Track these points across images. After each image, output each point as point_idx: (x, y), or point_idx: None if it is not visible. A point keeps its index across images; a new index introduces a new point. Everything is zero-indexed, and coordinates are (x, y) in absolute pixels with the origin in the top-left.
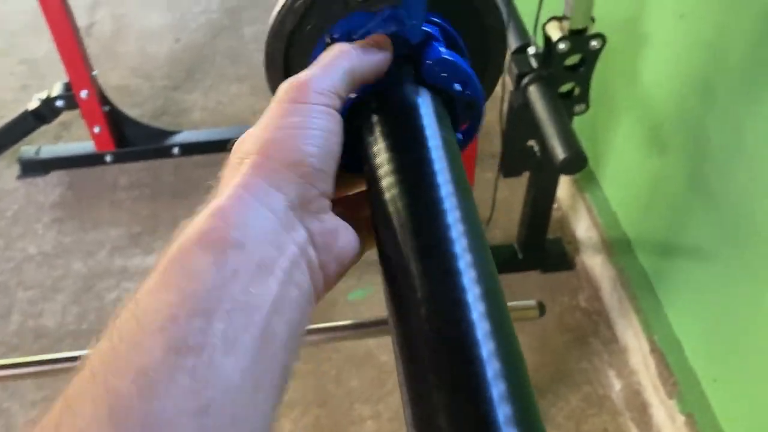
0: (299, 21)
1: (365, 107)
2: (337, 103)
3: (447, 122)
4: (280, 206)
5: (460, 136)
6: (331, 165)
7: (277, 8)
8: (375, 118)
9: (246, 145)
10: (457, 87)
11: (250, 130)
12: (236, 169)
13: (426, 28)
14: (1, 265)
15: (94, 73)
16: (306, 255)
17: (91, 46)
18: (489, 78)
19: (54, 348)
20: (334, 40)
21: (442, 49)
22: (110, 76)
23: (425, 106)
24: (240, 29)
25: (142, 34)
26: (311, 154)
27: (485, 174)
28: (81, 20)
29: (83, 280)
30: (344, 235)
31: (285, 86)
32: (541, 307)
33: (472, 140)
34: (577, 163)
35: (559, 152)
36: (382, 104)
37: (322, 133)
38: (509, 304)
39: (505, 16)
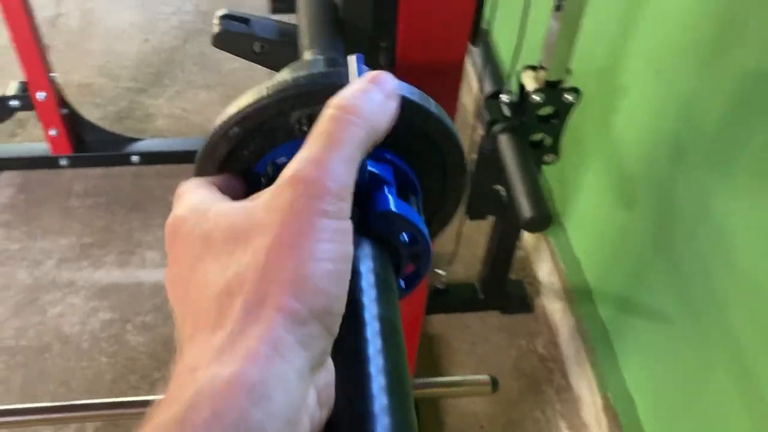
0: (234, 146)
1: None
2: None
3: (388, 278)
4: (304, 369)
5: (402, 283)
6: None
7: (210, 133)
8: None
9: (267, 274)
10: (404, 238)
11: (261, 243)
12: (252, 305)
13: (374, 170)
14: None
15: (52, 75)
16: (313, 421)
17: (56, 39)
18: (444, 214)
19: None
20: (276, 166)
21: (391, 198)
22: (74, 73)
23: (365, 268)
24: None
25: (111, 31)
26: (339, 298)
27: None
28: (46, 11)
29: (27, 291)
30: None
31: (299, 187)
32: (494, 383)
33: (418, 284)
34: (542, 223)
35: (525, 211)
36: None
37: (347, 266)
38: (463, 378)
39: (465, 155)
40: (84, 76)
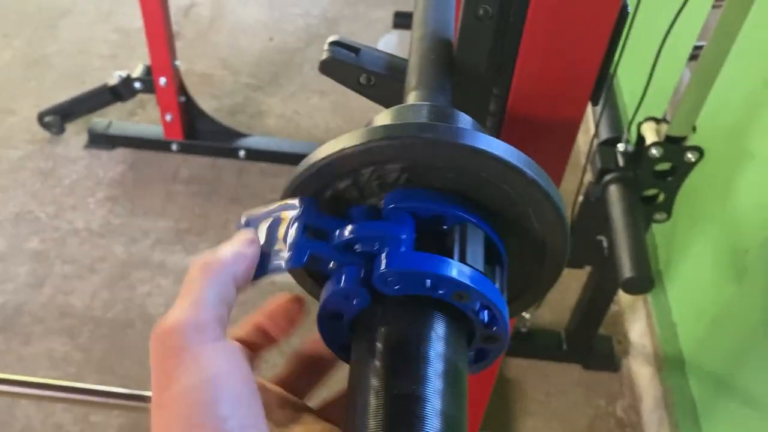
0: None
1: (369, 315)
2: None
3: (458, 364)
4: None
5: (471, 355)
6: (258, 415)
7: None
8: (375, 331)
9: None
10: (483, 316)
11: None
12: None
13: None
14: (47, 233)
15: (176, 62)
16: None
17: (186, 28)
18: (530, 297)
19: (75, 331)
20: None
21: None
22: (197, 63)
23: (434, 352)
24: None
25: (238, 26)
26: (225, 418)
27: None
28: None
29: (120, 266)
30: None
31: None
32: None
33: (488, 366)
34: (642, 286)
35: (626, 270)
36: (387, 318)
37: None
38: None
39: (568, 242)
40: (206, 67)
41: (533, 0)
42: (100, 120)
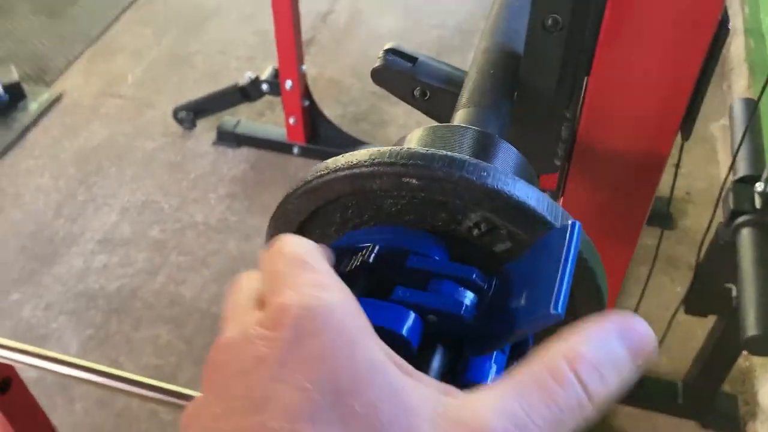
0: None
1: None
2: None
3: None
4: None
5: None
6: None
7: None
8: None
9: None
10: None
11: None
12: None
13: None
14: (168, 224)
15: (303, 67)
16: None
17: (322, 34)
18: None
19: (181, 320)
20: (380, 257)
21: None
22: (328, 68)
23: None
24: (468, 52)
25: (371, 35)
26: None
27: (672, 285)
28: (321, 5)
29: (232, 261)
30: None
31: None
32: None
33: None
34: (766, 346)
35: (750, 327)
36: None
37: None
38: None
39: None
40: (336, 73)
41: (610, 8)
42: (230, 118)
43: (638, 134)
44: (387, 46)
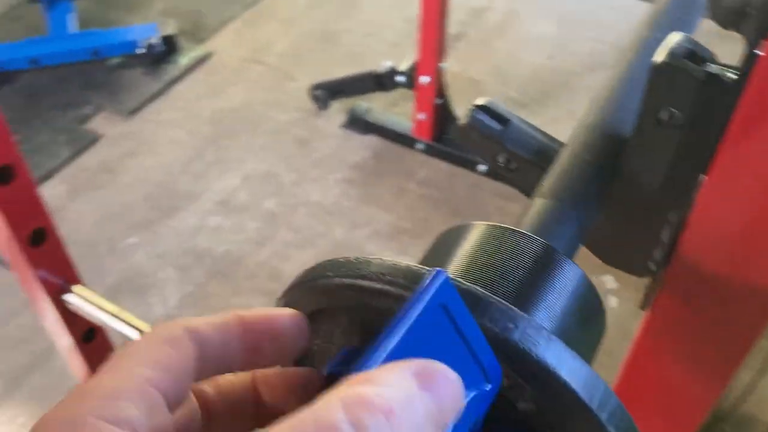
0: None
1: None
2: None
3: None
4: None
5: None
6: None
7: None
8: None
9: None
10: None
11: None
12: None
13: None
14: (284, 198)
15: (442, 64)
16: None
17: (473, 30)
18: None
19: (276, 296)
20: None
21: None
22: (472, 66)
23: None
24: None
25: (522, 37)
26: None
27: None
28: (479, 1)
29: (335, 246)
30: None
31: None
32: None
33: None
34: None
35: None
36: None
37: None
38: None
39: None
40: (478, 73)
41: (744, 106)
42: (362, 104)
43: (758, 257)
44: (479, 102)
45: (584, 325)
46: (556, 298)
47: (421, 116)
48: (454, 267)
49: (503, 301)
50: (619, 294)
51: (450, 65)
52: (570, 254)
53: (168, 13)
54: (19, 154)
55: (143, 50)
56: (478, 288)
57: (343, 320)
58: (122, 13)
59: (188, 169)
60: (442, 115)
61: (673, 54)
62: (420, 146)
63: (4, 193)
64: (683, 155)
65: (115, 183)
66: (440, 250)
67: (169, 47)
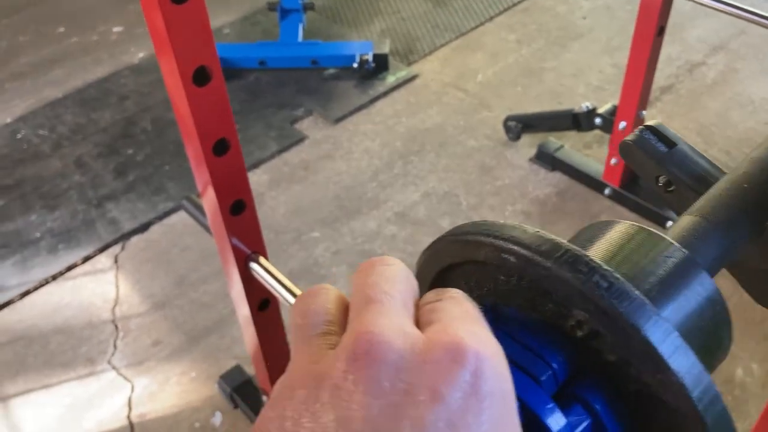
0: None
1: None
2: None
3: None
4: None
5: None
6: None
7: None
8: None
9: None
10: None
11: None
12: None
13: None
14: (459, 219)
15: (642, 112)
16: None
17: (684, 83)
18: None
19: None
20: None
21: None
22: (675, 121)
23: None
24: None
25: (738, 98)
26: None
27: None
28: (694, 55)
29: None
30: None
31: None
32: None
33: None
34: None
35: None
36: None
37: None
38: None
39: None
40: (681, 128)
41: None
42: (554, 141)
43: None
44: (649, 123)
45: (707, 337)
46: (685, 303)
47: (614, 161)
48: (595, 253)
49: (637, 293)
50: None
51: (651, 116)
52: (710, 272)
53: (385, 34)
54: (235, 132)
55: (357, 65)
56: (644, 298)
57: (462, 283)
58: (345, 28)
59: (376, 177)
60: None
61: None
62: (607, 191)
63: (219, 164)
64: None
65: (310, 180)
66: (586, 237)
67: (381, 65)
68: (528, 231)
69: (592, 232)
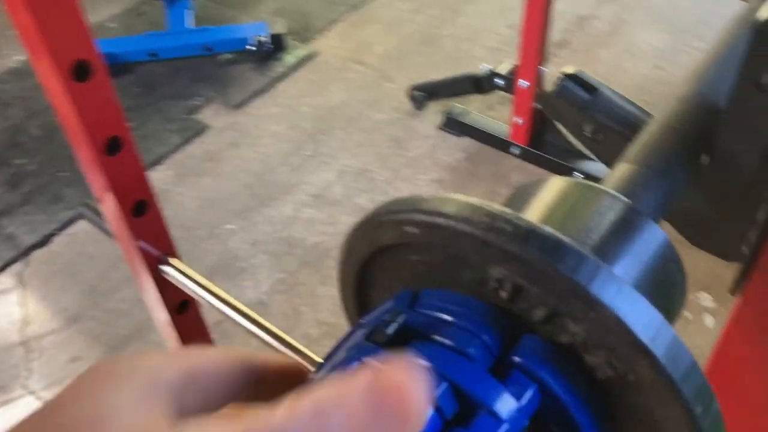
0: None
1: None
2: None
3: None
4: None
5: None
6: None
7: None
8: None
9: None
10: None
11: None
12: None
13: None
14: (376, 195)
15: (542, 69)
16: None
17: (577, 38)
18: None
19: None
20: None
21: None
22: None
23: None
24: None
25: (628, 47)
26: None
27: None
28: (583, 8)
29: None
30: None
31: None
32: None
33: None
34: None
35: None
36: None
37: None
38: None
39: None
40: None
41: None
42: (459, 106)
43: None
44: (567, 70)
45: (661, 287)
46: (635, 256)
47: (518, 120)
48: (533, 215)
49: (582, 250)
50: (716, 312)
51: (550, 72)
52: (655, 219)
53: (278, 13)
54: (126, 128)
55: (253, 47)
56: (560, 235)
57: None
58: (235, 11)
59: (287, 161)
60: (540, 120)
61: None
62: (515, 150)
63: (113, 164)
64: None
65: (217, 171)
66: (519, 200)
67: (277, 45)
68: (427, 198)
69: (525, 194)
